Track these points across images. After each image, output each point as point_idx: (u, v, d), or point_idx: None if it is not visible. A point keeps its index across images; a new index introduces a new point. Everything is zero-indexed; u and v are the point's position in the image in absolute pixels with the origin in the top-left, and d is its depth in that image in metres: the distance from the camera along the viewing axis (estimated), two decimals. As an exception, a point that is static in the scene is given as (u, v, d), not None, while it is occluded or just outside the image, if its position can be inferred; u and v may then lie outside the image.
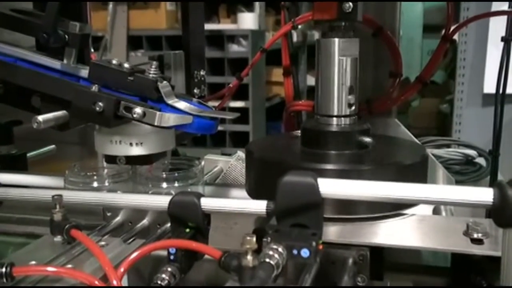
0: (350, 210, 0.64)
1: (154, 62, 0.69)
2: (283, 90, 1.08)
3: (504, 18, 0.99)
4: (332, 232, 0.62)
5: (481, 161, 1.15)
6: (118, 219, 0.69)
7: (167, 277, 0.50)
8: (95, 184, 0.75)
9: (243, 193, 0.75)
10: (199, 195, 0.55)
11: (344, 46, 0.70)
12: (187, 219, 0.55)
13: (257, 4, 3.63)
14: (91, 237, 0.62)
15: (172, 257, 0.51)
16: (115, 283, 0.47)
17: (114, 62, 0.69)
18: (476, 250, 0.56)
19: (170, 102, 0.67)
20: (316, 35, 3.93)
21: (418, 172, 0.69)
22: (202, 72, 0.99)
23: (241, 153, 0.91)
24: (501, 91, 0.98)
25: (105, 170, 0.77)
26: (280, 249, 0.45)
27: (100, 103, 0.66)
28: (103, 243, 0.62)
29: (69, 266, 0.55)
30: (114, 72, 0.68)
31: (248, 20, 3.58)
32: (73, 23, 0.71)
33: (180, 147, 1.07)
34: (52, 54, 0.73)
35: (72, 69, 0.72)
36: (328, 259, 0.57)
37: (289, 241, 0.47)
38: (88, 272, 0.53)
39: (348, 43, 0.70)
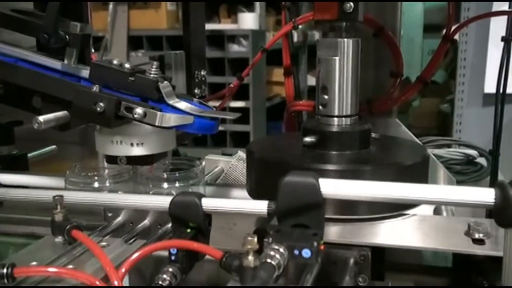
0: (351, 210, 0.64)
1: (155, 62, 0.69)
2: (284, 90, 1.09)
3: (504, 18, 0.99)
4: (333, 232, 0.62)
5: (482, 161, 1.15)
6: (119, 219, 0.69)
7: (168, 278, 0.50)
8: (96, 185, 0.75)
9: (244, 193, 0.75)
10: (200, 195, 0.55)
11: (344, 46, 0.70)
12: (188, 220, 0.55)
13: (257, 4, 3.63)
14: (92, 237, 0.62)
15: (173, 257, 0.51)
16: (116, 283, 0.47)
17: (115, 62, 0.69)
18: (478, 250, 0.56)
19: (171, 102, 0.67)
20: (317, 35, 3.93)
21: (419, 172, 0.69)
22: (202, 72, 0.99)
23: (242, 153, 0.91)
24: (501, 91, 0.98)
25: (106, 171, 0.77)
26: (281, 250, 0.45)
27: (101, 104, 0.66)
28: (104, 243, 0.62)
29: (70, 266, 0.55)
30: (115, 72, 0.68)
31: (248, 20, 3.58)
32: (74, 23, 0.71)
33: (181, 147, 1.07)
34: (52, 55, 0.73)
35: (73, 70, 0.72)
36: (330, 259, 0.57)
37: (290, 242, 0.47)
38: (89, 272, 0.53)
39: (348, 43, 0.70)
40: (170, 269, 0.50)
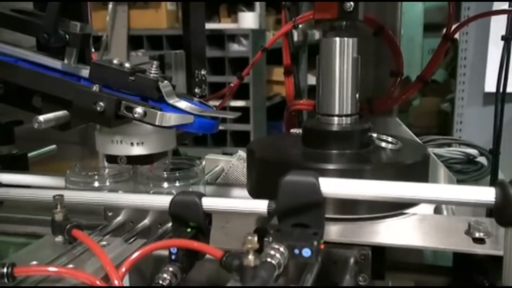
0: (351, 210, 0.64)
1: (155, 62, 0.69)
2: (284, 89, 1.08)
3: (505, 17, 0.99)
4: (333, 231, 0.62)
5: (482, 160, 1.15)
6: (119, 219, 0.69)
7: (168, 277, 0.49)
8: (96, 184, 0.74)
9: (244, 192, 0.75)
10: (200, 195, 0.55)
11: (344, 45, 0.70)
12: (188, 219, 0.55)
13: (257, 3, 3.63)
14: (93, 237, 0.62)
15: (173, 256, 0.51)
16: (116, 283, 0.47)
17: (115, 62, 0.69)
18: (478, 249, 0.56)
19: (171, 101, 0.67)
20: (317, 34, 3.93)
21: (419, 172, 0.69)
22: (203, 72, 0.99)
23: (242, 153, 0.91)
24: (501, 90, 0.98)
25: (106, 170, 0.77)
26: (281, 249, 0.45)
27: (101, 103, 0.66)
28: (104, 243, 0.62)
29: (71, 266, 0.55)
30: (115, 72, 0.68)
31: (248, 20, 3.57)
32: (74, 23, 0.71)
33: (181, 147, 1.07)
34: (53, 54, 0.73)
35: (73, 69, 0.72)
36: (330, 258, 0.57)
37: (291, 241, 0.47)
38: (90, 272, 0.53)
39: (348, 42, 0.70)
40: (171, 269, 0.50)
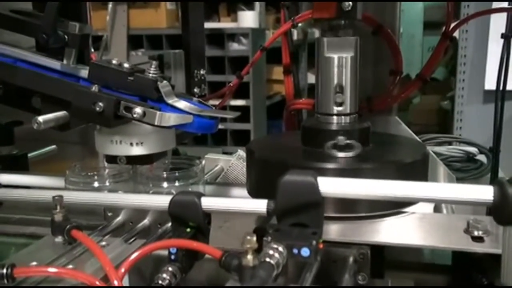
0: (349, 208, 0.64)
1: (154, 62, 0.69)
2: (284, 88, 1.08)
3: (505, 15, 0.99)
4: (332, 230, 0.62)
5: (482, 158, 1.15)
6: (119, 219, 0.69)
7: (168, 277, 0.50)
8: (96, 184, 0.75)
9: (244, 192, 0.75)
10: (200, 195, 0.55)
11: (343, 44, 0.70)
12: (188, 219, 0.55)
13: (257, 2, 3.62)
14: (92, 237, 0.62)
15: (173, 257, 0.51)
16: (116, 283, 0.47)
17: (114, 62, 0.69)
18: (477, 248, 0.56)
19: (170, 101, 0.67)
20: (317, 33, 3.92)
21: (418, 170, 0.69)
22: (202, 71, 0.99)
23: (241, 152, 0.91)
24: (501, 88, 0.98)
25: (106, 170, 0.77)
26: (280, 249, 0.45)
27: (100, 103, 0.66)
28: (104, 243, 0.62)
29: (70, 266, 0.55)
30: (114, 72, 0.68)
31: (248, 19, 3.57)
32: (73, 24, 0.71)
33: (181, 146, 1.07)
34: (52, 55, 0.73)
35: (72, 70, 0.72)
36: (329, 257, 0.57)
37: (290, 240, 0.47)
38: (89, 272, 0.53)
39: (347, 41, 0.70)
40: (170, 269, 0.50)
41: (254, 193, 0.72)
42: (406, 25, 4.64)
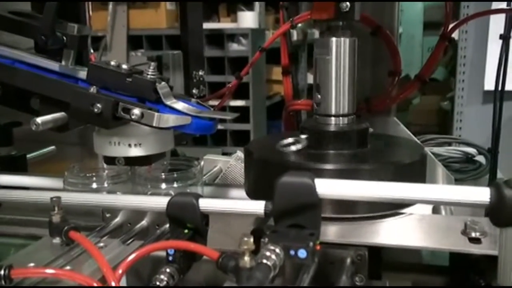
0: (347, 209, 0.64)
1: (152, 63, 0.69)
2: (283, 89, 1.08)
3: (504, 15, 0.99)
4: (330, 232, 0.62)
5: (480, 159, 1.15)
6: (117, 220, 0.69)
7: (165, 278, 0.50)
8: (94, 185, 0.75)
9: (242, 193, 0.75)
10: (198, 196, 0.56)
11: (341, 45, 0.70)
12: (186, 220, 0.55)
13: (257, 3, 3.62)
14: (90, 238, 0.62)
15: (170, 258, 0.51)
16: (113, 284, 0.47)
17: (112, 63, 0.69)
18: (474, 249, 0.56)
19: (168, 103, 0.68)
20: (317, 33, 3.93)
21: (417, 171, 0.69)
22: (201, 72, 0.99)
23: (240, 153, 0.91)
24: (499, 89, 0.98)
25: (105, 171, 0.78)
26: (277, 250, 0.45)
27: (99, 105, 0.66)
28: (101, 244, 0.62)
29: (68, 268, 0.55)
30: (112, 73, 0.68)
31: (248, 19, 3.57)
32: (71, 25, 0.71)
33: (181, 147, 1.07)
34: (50, 56, 0.73)
35: (71, 71, 0.72)
36: (326, 259, 0.57)
37: (286, 242, 0.47)
38: (87, 273, 0.53)
39: (346, 42, 0.70)
40: (168, 270, 0.50)
41: (252, 194, 0.73)
42: (406, 26, 4.65)
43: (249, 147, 0.74)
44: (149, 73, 0.68)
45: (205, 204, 0.55)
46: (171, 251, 0.51)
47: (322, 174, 0.64)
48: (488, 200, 0.46)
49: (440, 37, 0.90)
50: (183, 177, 0.74)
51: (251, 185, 0.73)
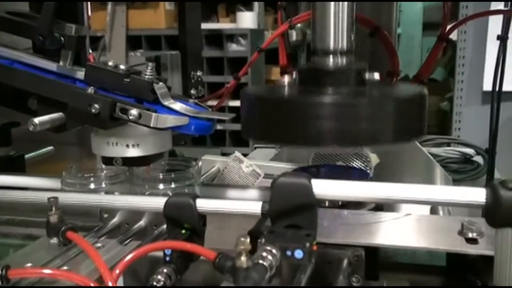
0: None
1: (150, 64, 0.69)
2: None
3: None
4: (327, 232, 0.62)
5: (479, 159, 1.15)
6: (115, 220, 0.69)
7: (162, 278, 0.50)
8: (92, 186, 0.75)
9: (239, 193, 0.75)
10: (195, 196, 0.56)
11: None
12: (183, 221, 0.55)
13: (256, 3, 3.62)
14: (88, 238, 0.62)
15: (167, 258, 0.52)
16: (110, 284, 0.48)
17: (110, 64, 0.70)
18: (471, 249, 0.56)
19: (166, 103, 0.68)
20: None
21: (415, 107, 0.66)
22: (199, 73, 0.99)
23: (238, 154, 0.91)
24: (497, 89, 0.98)
25: (103, 172, 0.78)
26: (274, 251, 0.46)
27: (96, 105, 0.66)
28: (99, 244, 0.62)
29: (65, 268, 0.55)
30: (110, 74, 0.69)
31: (247, 19, 3.57)
32: (69, 25, 0.71)
33: (180, 147, 1.07)
34: (48, 56, 0.73)
35: (68, 71, 0.72)
36: (323, 259, 0.58)
37: (283, 242, 0.47)
38: (84, 274, 0.53)
39: None
40: (165, 270, 0.51)
41: (251, 132, 0.69)
42: (405, 26, 4.65)
43: (244, 91, 0.70)
44: (147, 73, 0.68)
45: (202, 204, 0.55)
46: (168, 252, 0.52)
47: (320, 107, 0.61)
48: (484, 200, 0.46)
49: (438, 38, 0.90)
50: (181, 178, 0.74)
51: (247, 122, 0.69)
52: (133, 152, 0.70)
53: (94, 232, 0.66)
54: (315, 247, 0.49)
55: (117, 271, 0.49)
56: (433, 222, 0.65)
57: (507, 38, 0.98)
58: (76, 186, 0.75)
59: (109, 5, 3.35)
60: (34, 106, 0.74)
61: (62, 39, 0.71)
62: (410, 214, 0.66)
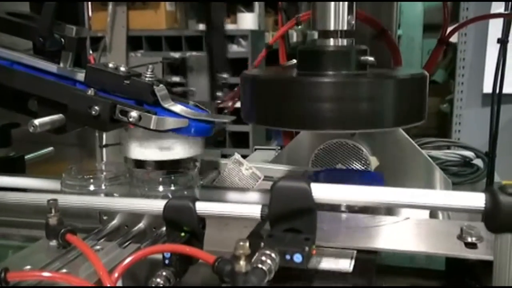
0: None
1: (150, 66, 0.69)
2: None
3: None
4: (326, 235, 0.62)
5: (478, 162, 1.15)
6: (115, 222, 0.69)
7: (161, 281, 0.50)
8: (92, 187, 0.74)
9: (239, 196, 0.75)
10: (194, 199, 0.56)
11: None
12: (182, 223, 0.55)
13: (256, 4, 3.62)
14: (87, 241, 0.62)
15: (167, 261, 0.52)
16: (109, 287, 0.47)
17: (110, 65, 0.69)
18: (470, 254, 0.56)
19: (166, 105, 0.68)
20: (316, 35, 3.93)
21: (415, 87, 0.67)
22: (225, 75, 0.98)
23: (238, 156, 0.91)
24: (497, 92, 0.98)
25: (102, 173, 0.77)
26: (272, 255, 0.46)
27: (96, 107, 0.66)
28: (98, 247, 0.62)
29: (64, 270, 0.55)
30: (110, 75, 0.69)
31: (247, 20, 3.57)
32: (70, 27, 0.71)
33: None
34: (49, 58, 0.73)
35: (69, 73, 0.72)
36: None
37: (282, 246, 0.47)
38: (83, 277, 0.53)
39: None
40: (164, 273, 0.51)
41: (252, 116, 0.70)
42: (406, 27, 4.64)
43: (243, 75, 0.70)
44: (147, 75, 0.68)
45: (201, 207, 0.55)
46: (167, 255, 0.52)
47: (320, 87, 0.61)
48: (483, 206, 0.46)
49: (438, 41, 0.90)
50: (181, 180, 0.74)
51: (249, 107, 0.70)
52: (165, 155, 0.70)
53: (93, 234, 0.66)
54: (314, 251, 0.49)
55: (116, 274, 0.49)
56: (432, 226, 0.65)
57: (507, 41, 0.98)
58: (76, 187, 0.75)
59: (110, 6, 3.36)
60: (34, 107, 0.74)
61: (63, 40, 0.71)
62: (409, 218, 0.66)
